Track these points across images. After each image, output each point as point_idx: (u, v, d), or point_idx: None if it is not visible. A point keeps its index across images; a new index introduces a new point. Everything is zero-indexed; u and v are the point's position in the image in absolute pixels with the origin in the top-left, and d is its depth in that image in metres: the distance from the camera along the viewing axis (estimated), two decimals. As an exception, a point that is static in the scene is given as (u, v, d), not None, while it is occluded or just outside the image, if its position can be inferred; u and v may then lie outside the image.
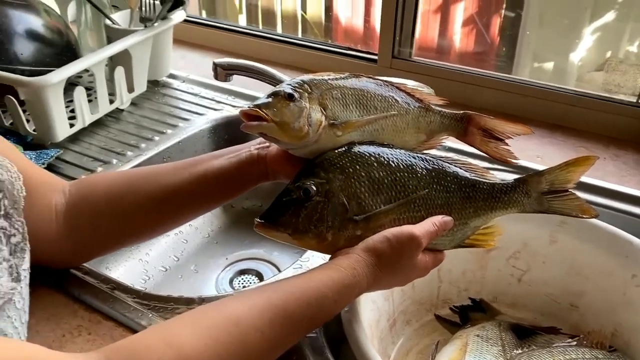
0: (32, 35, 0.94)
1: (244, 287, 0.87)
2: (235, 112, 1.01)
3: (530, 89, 0.99)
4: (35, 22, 0.96)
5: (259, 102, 0.53)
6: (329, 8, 1.72)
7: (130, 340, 0.42)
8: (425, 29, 1.36)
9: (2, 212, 0.46)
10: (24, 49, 0.92)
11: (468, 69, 1.04)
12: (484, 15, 1.38)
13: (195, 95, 1.07)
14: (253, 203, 1.01)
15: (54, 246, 0.58)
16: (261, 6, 1.77)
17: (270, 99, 0.53)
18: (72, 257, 0.63)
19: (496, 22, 1.38)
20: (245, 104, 1.03)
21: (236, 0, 1.75)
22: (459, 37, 1.43)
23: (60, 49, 0.98)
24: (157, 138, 0.94)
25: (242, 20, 1.77)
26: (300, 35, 1.73)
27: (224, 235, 0.96)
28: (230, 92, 1.07)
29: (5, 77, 0.82)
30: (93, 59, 0.90)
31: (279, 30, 1.77)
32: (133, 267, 0.86)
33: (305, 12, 1.75)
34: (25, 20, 0.94)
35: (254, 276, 0.89)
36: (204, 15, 1.65)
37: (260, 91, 1.04)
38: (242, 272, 0.90)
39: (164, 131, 0.96)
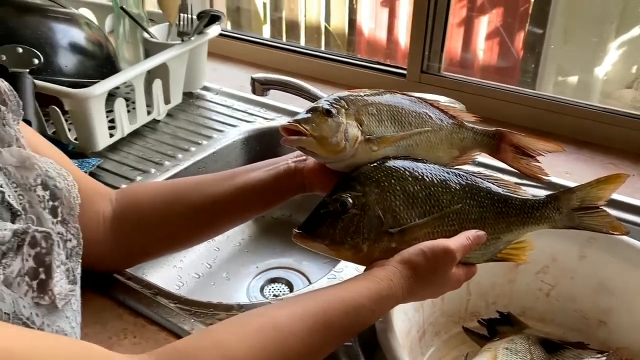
0: (75, 48, 0.98)
1: (274, 295, 0.89)
2: (266, 124, 1.04)
3: (559, 106, 0.99)
4: (78, 35, 1.00)
5: (298, 117, 0.55)
6: (352, 20, 1.74)
7: (176, 346, 0.44)
8: (449, 42, 1.38)
9: (60, 219, 0.49)
10: (68, 61, 0.96)
11: (497, 85, 1.05)
12: (508, 29, 1.39)
13: (228, 107, 1.10)
14: (283, 213, 1.03)
15: (99, 251, 0.61)
16: (285, 17, 1.81)
17: (309, 115, 0.54)
18: (116, 262, 0.65)
19: (520, 36, 1.39)
20: (276, 116, 1.06)
21: (260, 11, 1.78)
22: (483, 50, 1.45)
23: (100, 61, 1.02)
24: (193, 149, 0.96)
25: (266, 31, 1.80)
26: (323, 47, 1.76)
27: (254, 244, 0.99)
28: (262, 105, 1.09)
29: (52, 89, 0.86)
30: (134, 72, 0.94)
31: (302, 41, 1.81)
32: (168, 273, 0.88)
33: (329, 24, 1.77)
34: (69, 34, 0.98)
35: (284, 285, 0.91)
36: (229, 26, 1.69)
37: (291, 104, 1.07)
38: (273, 280, 0.92)
39: (199, 142, 0.98)
